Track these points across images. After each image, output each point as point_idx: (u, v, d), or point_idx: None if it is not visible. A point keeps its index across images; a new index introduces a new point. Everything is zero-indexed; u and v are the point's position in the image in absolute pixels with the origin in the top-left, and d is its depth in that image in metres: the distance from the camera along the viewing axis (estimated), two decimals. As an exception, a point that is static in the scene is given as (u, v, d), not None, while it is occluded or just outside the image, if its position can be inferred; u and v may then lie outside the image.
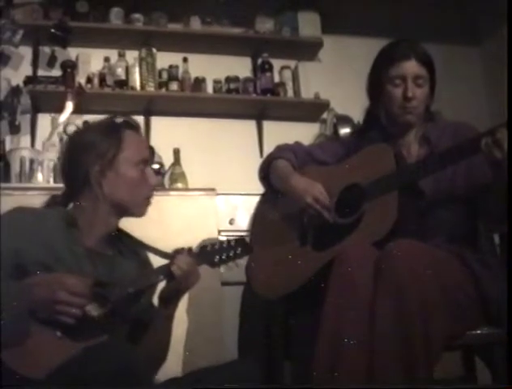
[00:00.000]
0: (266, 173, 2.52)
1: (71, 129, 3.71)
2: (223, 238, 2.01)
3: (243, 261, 1.97)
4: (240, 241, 1.98)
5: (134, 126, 2.07)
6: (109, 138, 1.99)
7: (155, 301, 2.04)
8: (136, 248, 2.09)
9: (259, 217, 2.59)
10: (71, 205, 2.02)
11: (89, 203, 1.98)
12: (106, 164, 1.95)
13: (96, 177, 1.95)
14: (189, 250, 1.95)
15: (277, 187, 2.48)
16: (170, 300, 1.97)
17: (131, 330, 1.95)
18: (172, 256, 1.94)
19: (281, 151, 2.54)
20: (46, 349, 1.69)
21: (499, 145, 1.91)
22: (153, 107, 4.11)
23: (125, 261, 2.03)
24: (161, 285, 1.97)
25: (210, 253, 1.95)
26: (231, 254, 1.95)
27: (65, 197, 2.05)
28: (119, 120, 2.06)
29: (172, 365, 2.62)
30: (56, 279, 1.75)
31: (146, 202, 2.04)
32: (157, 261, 2.05)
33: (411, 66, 2.29)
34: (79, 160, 1.97)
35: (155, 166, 3.87)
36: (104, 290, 1.80)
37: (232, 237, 1.99)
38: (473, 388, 2.35)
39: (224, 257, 1.94)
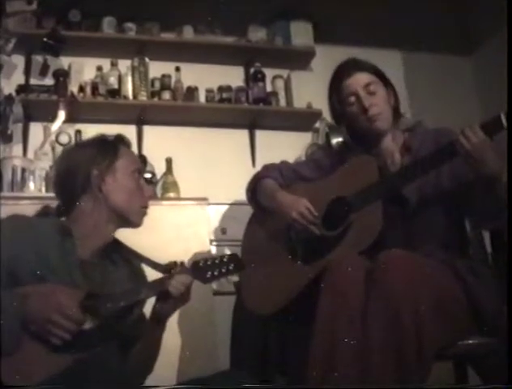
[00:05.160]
0: (254, 192, 2.54)
1: (63, 138, 3.72)
2: (214, 252, 2.00)
3: (234, 276, 1.97)
4: (232, 256, 1.99)
5: (126, 142, 2.14)
6: (105, 149, 2.05)
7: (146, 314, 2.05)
8: (128, 257, 2.10)
9: (249, 236, 2.60)
10: (63, 218, 2.03)
11: (87, 212, 1.99)
12: (104, 170, 2.00)
13: (96, 180, 1.99)
14: (182, 264, 1.97)
15: (264, 205, 2.51)
16: (163, 318, 1.99)
17: (121, 342, 1.94)
18: (164, 269, 1.96)
19: (267, 170, 2.58)
20: (38, 362, 1.69)
21: (467, 138, 1.97)
22: (145, 116, 4.10)
23: (118, 270, 2.04)
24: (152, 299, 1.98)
25: (202, 269, 1.94)
26: (223, 270, 1.95)
27: (58, 209, 2.06)
28: (112, 136, 2.13)
29: (166, 376, 2.62)
30: (49, 294, 1.75)
31: (142, 211, 2.07)
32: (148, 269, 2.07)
33: (354, 80, 2.34)
34: (77, 169, 2.01)
35: (148, 175, 3.87)
36: (96, 303, 1.80)
37: (225, 253, 2.00)
38: (472, 388, 2.36)
39: (216, 273, 1.94)
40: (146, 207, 2.08)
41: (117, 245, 2.08)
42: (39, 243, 1.87)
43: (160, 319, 1.99)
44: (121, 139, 2.12)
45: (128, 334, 1.97)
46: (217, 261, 1.95)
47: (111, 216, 2.01)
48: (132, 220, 2.04)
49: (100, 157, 2.01)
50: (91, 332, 1.77)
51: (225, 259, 1.96)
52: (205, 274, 1.93)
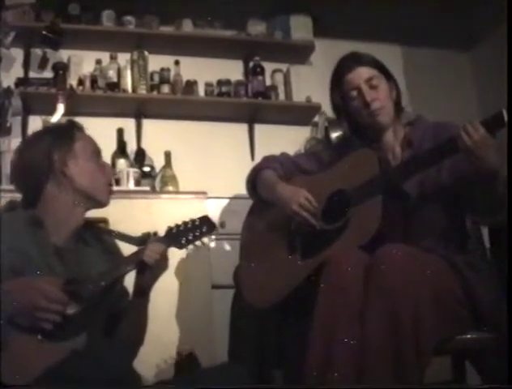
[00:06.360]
0: (254, 184, 2.54)
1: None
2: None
3: (209, 240, 1.99)
4: (203, 219, 2.04)
5: (79, 126, 2.15)
6: (61, 134, 2.07)
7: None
8: (101, 235, 2.13)
9: (248, 228, 2.60)
10: (32, 209, 2.02)
11: (54, 199, 2.00)
12: (64, 154, 2.01)
13: (59, 165, 2.00)
14: (155, 234, 2.03)
15: (264, 196, 2.50)
16: (145, 290, 2.02)
17: (107, 320, 1.97)
18: (139, 242, 2.01)
19: (267, 161, 2.58)
20: (30, 354, 1.69)
21: (469, 134, 1.96)
22: (144, 110, 4.10)
23: (92, 250, 2.06)
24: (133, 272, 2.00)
25: (176, 235, 2.00)
26: (196, 234, 2.00)
27: (25, 201, 2.06)
28: (65, 123, 2.17)
29: (164, 369, 2.63)
30: (32, 284, 1.76)
31: (107, 188, 2.10)
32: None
33: (356, 74, 2.34)
34: (38, 158, 2.02)
35: (146, 169, 3.87)
36: (77, 287, 1.82)
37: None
38: (472, 387, 2.36)
39: (190, 237, 1.99)
40: (110, 184, 2.13)
41: (88, 226, 2.10)
42: (12, 237, 1.88)
43: (143, 291, 2.02)
44: (73, 124, 2.14)
45: (113, 311, 2.00)
46: (189, 225, 2.01)
47: (78, 199, 2.02)
48: (99, 199, 2.07)
49: (57, 143, 2.03)
50: (77, 316, 1.78)
51: (197, 223, 2.02)
52: (180, 240, 1.99)
